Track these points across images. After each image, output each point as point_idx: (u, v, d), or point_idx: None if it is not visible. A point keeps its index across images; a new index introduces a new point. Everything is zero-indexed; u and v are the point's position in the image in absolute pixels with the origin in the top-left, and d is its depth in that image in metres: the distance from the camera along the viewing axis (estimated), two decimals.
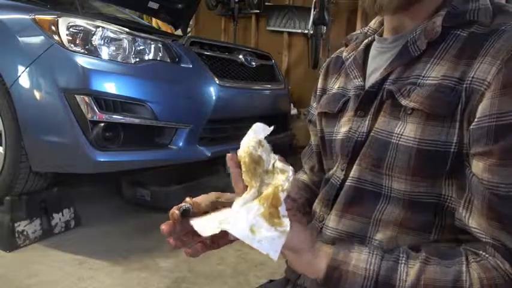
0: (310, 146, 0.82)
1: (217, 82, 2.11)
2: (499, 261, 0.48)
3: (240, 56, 2.43)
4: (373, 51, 0.67)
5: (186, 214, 0.53)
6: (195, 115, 2.02)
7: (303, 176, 0.83)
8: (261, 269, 1.71)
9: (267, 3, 4.49)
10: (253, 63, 2.50)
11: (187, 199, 0.55)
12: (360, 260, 0.52)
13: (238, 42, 4.38)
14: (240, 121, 2.30)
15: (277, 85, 2.73)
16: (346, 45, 0.74)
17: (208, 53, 2.21)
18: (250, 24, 4.68)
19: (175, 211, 0.52)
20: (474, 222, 0.50)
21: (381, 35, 0.67)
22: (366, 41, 0.69)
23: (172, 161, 2.02)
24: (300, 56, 4.40)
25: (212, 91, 2.08)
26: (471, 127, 0.50)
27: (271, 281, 0.77)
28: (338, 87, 0.71)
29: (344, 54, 0.72)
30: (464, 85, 0.51)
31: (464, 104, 0.50)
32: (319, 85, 0.79)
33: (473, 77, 0.50)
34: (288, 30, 4.43)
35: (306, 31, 4.12)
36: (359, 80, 0.65)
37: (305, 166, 0.84)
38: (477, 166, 0.49)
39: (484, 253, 0.49)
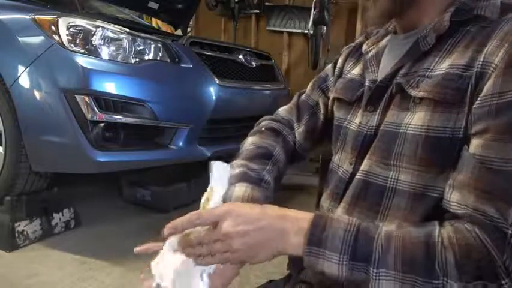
0: (313, 108, 0.80)
1: (217, 82, 2.11)
2: (475, 228, 0.47)
3: (240, 56, 2.43)
4: (387, 48, 0.68)
5: None
6: (195, 115, 2.02)
7: (288, 136, 0.80)
8: (261, 269, 1.71)
9: (267, 3, 4.48)
10: (253, 63, 2.50)
11: None
12: (341, 216, 0.55)
13: (238, 42, 4.37)
14: (240, 121, 2.30)
15: (277, 85, 2.73)
16: (367, 38, 0.75)
17: (208, 53, 2.21)
18: (250, 24, 4.67)
19: None
20: (457, 195, 0.50)
21: (395, 32, 0.68)
22: (388, 37, 0.69)
23: (172, 161, 2.02)
24: (300, 56, 4.40)
25: (212, 91, 2.08)
26: (473, 106, 0.50)
27: (271, 281, 0.77)
28: (355, 74, 0.72)
29: (364, 47, 0.72)
30: (475, 69, 0.51)
31: (474, 88, 0.51)
32: (339, 64, 0.79)
33: (482, 61, 0.51)
34: (288, 30, 4.43)
35: (306, 31, 4.11)
36: (375, 74, 0.66)
37: (302, 124, 0.80)
38: (473, 144, 0.50)
39: (459, 220, 0.49)
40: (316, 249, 0.51)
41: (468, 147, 0.51)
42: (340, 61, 0.79)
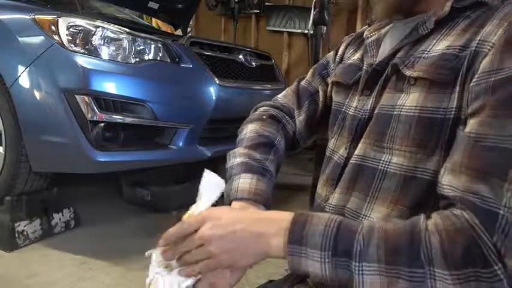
0: (313, 96, 0.80)
1: (217, 82, 2.11)
2: (464, 212, 0.45)
3: (240, 56, 2.43)
4: (388, 33, 0.68)
5: None
6: (195, 115, 2.02)
7: (288, 125, 0.80)
8: (261, 269, 1.71)
9: (267, 3, 4.48)
10: (253, 63, 2.50)
11: None
12: (322, 213, 0.52)
13: (238, 42, 4.37)
14: (240, 121, 2.30)
15: (277, 85, 2.72)
16: (369, 25, 0.75)
17: (208, 53, 2.21)
18: (250, 24, 4.67)
19: None
20: (449, 176, 0.48)
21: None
22: (391, 24, 0.69)
23: (172, 161, 2.02)
24: (300, 56, 4.40)
25: (212, 91, 2.08)
26: (471, 85, 0.49)
27: (271, 281, 0.77)
28: (355, 59, 0.72)
29: (366, 33, 0.72)
30: (470, 49, 0.51)
31: (467, 66, 0.51)
32: (340, 51, 0.79)
33: (479, 40, 0.51)
34: (288, 30, 4.43)
35: (306, 31, 4.11)
36: (374, 59, 0.66)
37: (302, 112, 0.80)
38: (469, 123, 0.48)
39: (448, 206, 0.48)
40: (298, 247, 0.49)
41: (464, 128, 0.49)
42: (341, 48, 0.79)
